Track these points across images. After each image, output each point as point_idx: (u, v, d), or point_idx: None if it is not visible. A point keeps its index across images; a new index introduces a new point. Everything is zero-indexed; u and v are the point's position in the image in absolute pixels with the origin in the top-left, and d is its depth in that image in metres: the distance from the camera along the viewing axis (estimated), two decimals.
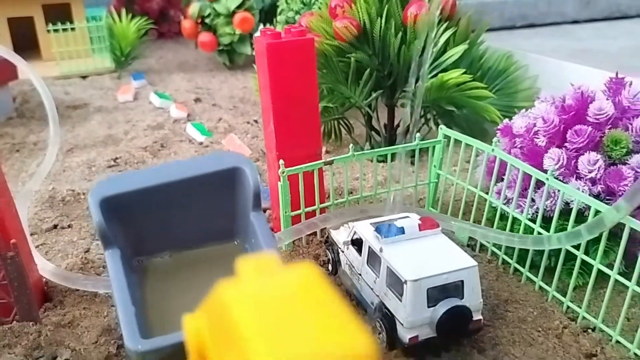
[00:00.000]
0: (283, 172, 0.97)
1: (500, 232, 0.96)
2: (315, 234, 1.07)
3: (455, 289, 0.77)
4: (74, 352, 0.81)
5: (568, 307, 0.88)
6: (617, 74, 1.02)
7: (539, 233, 0.92)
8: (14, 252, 0.81)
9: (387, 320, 0.79)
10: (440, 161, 1.11)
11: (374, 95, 1.39)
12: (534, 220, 0.93)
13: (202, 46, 2.36)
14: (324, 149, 1.50)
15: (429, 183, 1.14)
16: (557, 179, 0.91)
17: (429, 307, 0.76)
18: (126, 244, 0.65)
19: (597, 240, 0.82)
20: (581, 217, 0.86)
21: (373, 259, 0.84)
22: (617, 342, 0.81)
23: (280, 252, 1.03)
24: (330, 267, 0.98)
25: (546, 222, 0.91)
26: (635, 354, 0.79)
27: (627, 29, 2.40)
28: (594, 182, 0.91)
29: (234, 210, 0.70)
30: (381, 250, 0.81)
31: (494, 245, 1.02)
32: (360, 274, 0.87)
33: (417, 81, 1.18)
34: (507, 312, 0.88)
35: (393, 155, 1.09)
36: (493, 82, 1.50)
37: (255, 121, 1.76)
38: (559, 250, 0.88)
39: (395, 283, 0.78)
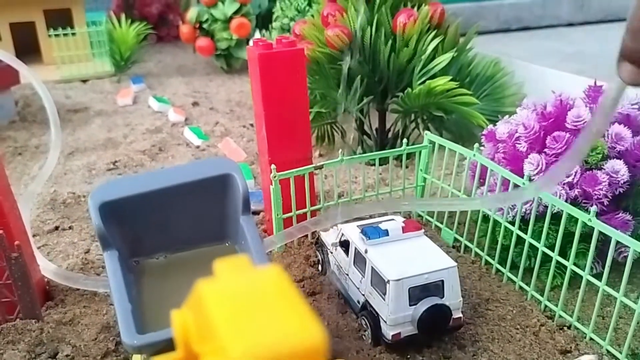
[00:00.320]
0: (275, 176, 1.02)
1: (431, 199, 1.02)
2: (306, 235, 1.11)
3: (435, 288, 0.81)
4: (75, 348, 0.85)
5: (546, 306, 0.92)
6: (595, 82, 1.06)
7: (518, 236, 0.96)
8: (17, 253, 0.85)
9: (372, 318, 0.84)
10: (426, 165, 1.15)
11: (365, 100, 1.43)
12: (513, 223, 0.97)
13: (200, 51, 2.40)
14: (317, 153, 1.55)
15: (416, 186, 1.18)
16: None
17: (410, 305, 0.80)
18: (124, 246, 0.69)
19: (572, 242, 0.86)
20: (557, 219, 0.90)
21: (359, 260, 0.88)
22: (591, 339, 0.85)
23: (270, 254, 1.07)
24: (320, 268, 1.02)
25: (525, 224, 0.95)
26: (607, 350, 0.83)
27: (621, 31, 2.44)
28: (571, 186, 0.95)
29: (225, 214, 0.74)
30: (366, 251, 0.85)
31: (478, 246, 1.06)
32: (347, 274, 0.92)
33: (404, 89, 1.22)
34: (487, 310, 0.92)
35: (382, 160, 1.13)
36: (481, 88, 1.54)
37: (251, 125, 1.80)
38: (538, 251, 0.92)
39: (379, 283, 0.82)
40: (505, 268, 0.99)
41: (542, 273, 0.96)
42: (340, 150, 1.10)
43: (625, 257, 0.80)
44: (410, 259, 0.83)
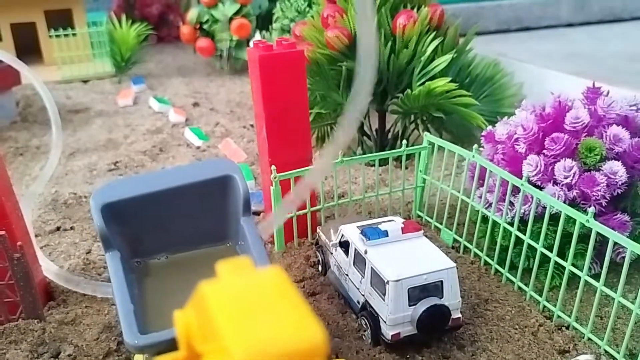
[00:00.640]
0: (275, 177, 1.02)
1: None
2: (306, 236, 1.12)
3: (435, 288, 0.82)
4: (77, 348, 0.85)
5: (544, 306, 0.93)
6: (593, 83, 1.07)
7: (517, 236, 0.97)
8: (20, 254, 0.85)
9: (372, 318, 0.84)
10: (425, 166, 1.16)
11: None
12: (512, 224, 0.97)
13: (200, 51, 2.41)
14: (317, 154, 1.55)
15: (415, 187, 1.19)
16: (534, 184, 0.96)
17: (410, 305, 0.81)
18: (125, 246, 0.70)
19: (570, 243, 0.87)
20: (555, 220, 0.90)
21: (359, 260, 0.88)
22: (589, 339, 0.86)
23: (270, 253, 1.08)
24: (320, 268, 1.03)
25: (524, 225, 0.96)
26: (605, 350, 0.84)
27: (620, 32, 2.44)
28: (569, 187, 0.96)
29: (225, 215, 0.75)
30: (366, 252, 0.86)
31: (477, 247, 1.07)
32: (347, 275, 0.92)
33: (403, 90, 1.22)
34: (487, 310, 0.93)
35: (382, 161, 1.14)
36: (480, 89, 1.55)
37: (252, 125, 1.81)
38: (536, 252, 0.93)
39: (379, 283, 0.83)
40: (504, 268, 1.00)
41: (540, 273, 0.96)
42: (340, 152, 1.10)
43: (623, 257, 0.81)
44: (409, 259, 0.83)
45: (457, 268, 0.83)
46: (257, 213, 1.21)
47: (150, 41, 2.61)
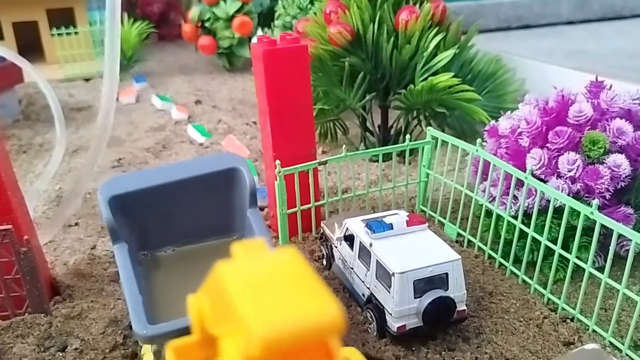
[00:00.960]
0: (279, 172, 1.03)
1: None
2: (310, 230, 1.12)
3: (440, 280, 0.82)
4: (83, 341, 0.86)
5: (549, 299, 0.93)
6: (596, 77, 1.07)
7: (521, 230, 0.97)
8: (26, 248, 0.86)
9: (377, 311, 0.85)
10: (429, 161, 1.16)
11: (367, 97, 1.44)
12: (516, 217, 0.98)
13: (202, 49, 2.41)
14: (320, 149, 1.55)
15: (419, 182, 1.19)
16: (537, 178, 0.96)
17: (415, 298, 0.81)
18: (132, 239, 0.70)
19: (574, 236, 0.87)
20: (559, 213, 0.91)
21: (364, 253, 0.89)
22: (594, 331, 0.86)
23: (274, 246, 1.08)
24: (324, 262, 1.03)
25: (528, 218, 0.96)
26: (610, 342, 0.84)
27: (620, 29, 2.45)
28: (573, 180, 0.96)
29: (232, 208, 0.75)
30: (371, 245, 0.86)
31: (481, 241, 1.07)
32: (352, 268, 0.92)
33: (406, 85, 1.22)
34: (491, 303, 0.93)
35: (385, 156, 1.14)
36: (483, 85, 1.55)
37: (254, 122, 1.81)
38: (540, 245, 0.93)
39: (384, 275, 0.83)
40: (508, 262, 1.00)
41: (544, 267, 0.97)
42: (344, 146, 1.11)
43: (627, 250, 0.81)
44: (414, 252, 0.84)
45: (461, 261, 0.83)
46: (261, 208, 1.22)
47: (151, 39, 2.61)
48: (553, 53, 1.97)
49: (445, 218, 1.15)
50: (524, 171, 0.96)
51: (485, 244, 1.05)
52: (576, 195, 0.95)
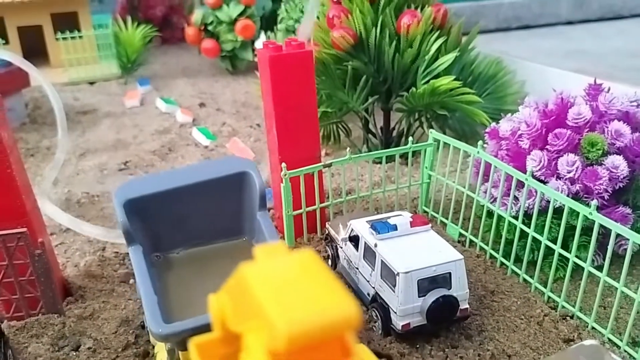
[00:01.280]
0: (285, 175, 1.05)
1: None
2: (316, 231, 1.15)
3: (443, 280, 0.85)
4: (96, 341, 0.88)
5: (549, 297, 0.96)
6: (595, 80, 1.09)
7: (521, 230, 0.99)
8: (41, 250, 0.88)
9: (382, 310, 0.87)
10: (431, 163, 1.18)
11: (370, 100, 1.46)
12: (516, 218, 1.00)
13: (206, 52, 2.43)
14: (323, 151, 1.58)
15: (421, 183, 1.21)
16: (538, 179, 0.98)
17: (419, 296, 0.84)
18: (146, 241, 0.73)
19: (574, 235, 0.89)
20: (559, 214, 0.93)
21: (369, 253, 0.91)
22: (593, 328, 0.89)
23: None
24: (330, 262, 1.06)
25: (528, 218, 0.99)
26: (609, 338, 0.86)
27: (620, 29, 2.47)
28: (572, 181, 0.98)
29: (241, 211, 0.77)
30: (376, 245, 0.88)
31: (482, 241, 1.09)
32: (357, 268, 0.95)
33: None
34: (493, 302, 0.96)
35: (388, 158, 1.16)
36: (484, 87, 1.58)
37: (258, 125, 1.83)
38: (541, 244, 0.95)
39: (389, 275, 0.85)
40: (509, 261, 1.03)
41: (545, 266, 0.99)
42: (347, 148, 1.13)
43: (625, 249, 0.84)
44: (418, 252, 0.86)
45: (464, 260, 0.86)
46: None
47: (154, 43, 2.63)
48: (552, 53, 2.00)
49: (447, 219, 1.17)
50: (524, 172, 0.98)
51: (487, 244, 1.08)
52: (575, 196, 0.97)
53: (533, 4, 2.60)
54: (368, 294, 0.92)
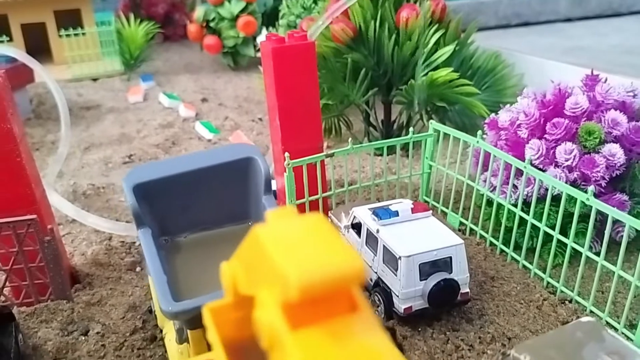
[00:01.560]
0: (289, 164, 1.07)
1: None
2: None
3: (444, 264, 0.87)
4: (104, 326, 0.90)
5: (548, 282, 0.98)
6: (592, 71, 1.11)
7: (521, 217, 1.01)
8: (50, 237, 0.90)
9: (385, 294, 0.89)
10: (431, 153, 1.20)
11: (370, 92, 1.48)
12: (516, 205, 1.02)
13: (208, 49, 2.45)
14: (325, 144, 1.60)
15: (422, 174, 1.23)
16: (536, 167, 1.00)
17: (421, 280, 0.85)
18: (154, 225, 0.75)
19: (572, 222, 0.91)
20: (557, 201, 0.95)
21: (371, 239, 0.93)
22: (591, 311, 0.91)
23: None
24: None
25: (527, 206, 1.01)
26: (607, 321, 0.88)
27: (618, 26, 2.48)
28: (570, 169, 1.00)
29: (247, 195, 0.79)
30: (378, 231, 0.90)
31: (482, 229, 1.11)
32: (360, 254, 0.97)
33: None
34: (493, 287, 0.98)
35: (389, 148, 1.18)
36: (482, 80, 1.60)
37: (260, 119, 1.85)
38: (539, 231, 0.97)
39: (391, 260, 0.87)
40: (509, 248, 1.05)
41: (544, 252, 1.01)
42: (349, 139, 1.15)
43: (622, 236, 0.85)
44: (419, 237, 0.88)
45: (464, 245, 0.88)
46: None
47: (156, 40, 2.65)
48: (552, 50, 2.01)
49: (447, 208, 1.19)
50: (523, 161, 1.00)
51: (487, 232, 1.10)
52: (573, 184, 0.99)
53: (532, 1, 2.62)
54: (370, 279, 0.94)
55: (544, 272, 0.98)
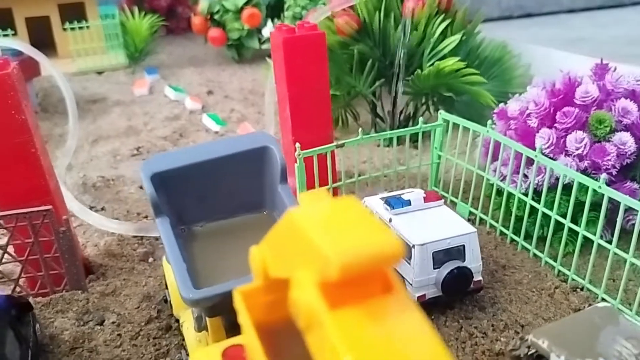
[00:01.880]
0: (299, 155, 1.07)
1: None
2: None
3: (457, 252, 0.87)
4: (119, 316, 0.91)
5: (559, 270, 0.98)
6: (601, 60, 1.12)
7: (531, 206, 1.02)
8: (65, 227, 0.91)
9: None
10: (440, 143, 1.21)
11: (377, 83, 1.49)
12: (526, 194, 1.02)
13: (212, 41, 2.45)
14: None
15: (431, 164, 1.24)
16: (546, 156, 1.01)
17: (434, 268, 0.86)
18: (171, 214, 0.75)
19: (583, 211, 0.92)
20: (568, 190, 0.95)
21: None
22: (603, 299, 0.91)
23: None
24: None
25: (538, 195, 1.01)
26: (618, 308, 0.89)
27: (620, 17, 2.48)
28: (581, 158, 1.01)
29: (262, 185, 0.80)
30: (390, 220, 0.91)
31: (492, 218, 1.12)
32: None
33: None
34: (504, 276, 0.98)
35: (398, 139, 1.19)
36: (489, 70, 1.60)
37: None
38: (550, 220, 0.98)
39: (404, 248, 0.88)
40: (519, 237, 1.05)
41: (554, 241, 1.02)
42: (360, 129, 1.15)
43: (633, 224, 0.86)
44: (432, 225, 0.89)
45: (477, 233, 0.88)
46: None
47: (159, 33, 2.65)
48: (555, 41, 2.01)
49: (457, 198, 1.19)
50: (533, 150, 1.00)
51: (497, 221, 1.10)
52: (584, 172, 1.00)
53: None
54: None
55: (555, 261, 0.99)
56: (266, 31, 2.35)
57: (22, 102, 0.89)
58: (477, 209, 1.14)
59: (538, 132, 1.05)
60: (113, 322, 0.89)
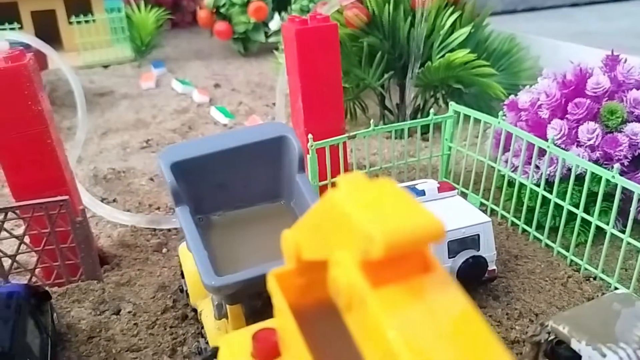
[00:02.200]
0: (312, 146, 1.08)
1: None
2: None
3: (472, 241, 0.88)
4: (135, 305, 0.91)
5: (572, 260, 0.99)
6: (612, 51, 1.12)
7: (543, 197, 1.02)
8: (81, 218, 0.91)
9: None
10: (451, 135, 1.21)
11: (386, 76, 1.49)
12: (538, 185, 1.03)
13: (218, 34, 2.45)
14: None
15: (442, 155, 1.24)
16: (558, 146, 1.01)
17: (449, 257, 0.87)
18: (190, 203, 0.75)
19: (595, 200, 0.92)
20: (580, 180, 0.96)
21: None
22: (616, 288, 0.92)
23: None
24: None
25: (550, 186, 1.02)
26: None
27: (625, 10, 2.48)
28: (593, 148, 1.01)
29: (279, 174, 0.80)
30: None
31: (503, 209, 1.12)
32: None
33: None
34: (517, 265, 0.99)
35: (408, 131, 1.19)
36: (498, 62, 1.60)
37: (274, 104, 1.86)
38: (562, 210, 0.98)
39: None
40: (531, 228, 1.06)
41: (566, 231, 1.02)
42: (371, 121, 1.15)
43: None
44: (447, 215, 0.89)
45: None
46: None
47: (165, 26, 2.65)
48: (560, 34, 2.01)
49: (467, 189, 1.20)
50: (545, 141, 1.01)
51: (508, 212, 1.11)
52: (596, 163, 1.00)
53: None
54: None
55: (567, 251, 0.99)
56: (274, 24, 2.35)
57: (39, 93, 0.89)
58: (488, 200, 1.15)
59: (549, 123, 1.05)
60: (129, 312, 0.90)
